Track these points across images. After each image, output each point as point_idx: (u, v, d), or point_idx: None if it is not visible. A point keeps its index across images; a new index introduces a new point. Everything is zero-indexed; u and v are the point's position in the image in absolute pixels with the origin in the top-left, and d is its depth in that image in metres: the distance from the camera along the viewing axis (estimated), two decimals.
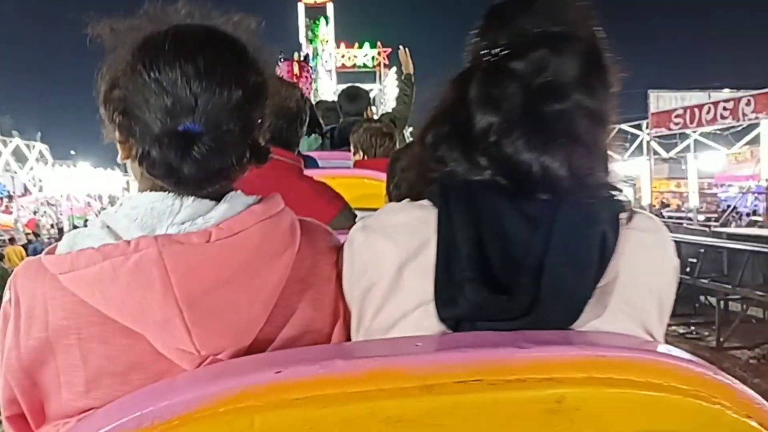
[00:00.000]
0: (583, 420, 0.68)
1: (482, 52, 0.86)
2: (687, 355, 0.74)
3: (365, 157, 2.86)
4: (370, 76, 41.66)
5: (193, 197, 0.81)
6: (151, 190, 0.82)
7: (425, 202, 0.86)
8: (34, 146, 31.24)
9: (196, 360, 0.78)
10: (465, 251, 0.78)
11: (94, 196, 33.20)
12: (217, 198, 0.82)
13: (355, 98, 3.90)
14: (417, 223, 0.84)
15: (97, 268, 0.75)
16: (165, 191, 0.81)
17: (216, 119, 0.80)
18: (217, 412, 0.63)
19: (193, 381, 0.71)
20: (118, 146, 0.86)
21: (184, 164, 0.77)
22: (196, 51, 0.81)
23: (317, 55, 40.03)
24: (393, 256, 0.83)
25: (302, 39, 42.10)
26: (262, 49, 0.89)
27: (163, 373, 0.78)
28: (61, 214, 27.33)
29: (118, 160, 0.88)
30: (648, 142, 20.32)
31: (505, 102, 0.83)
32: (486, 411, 0.67)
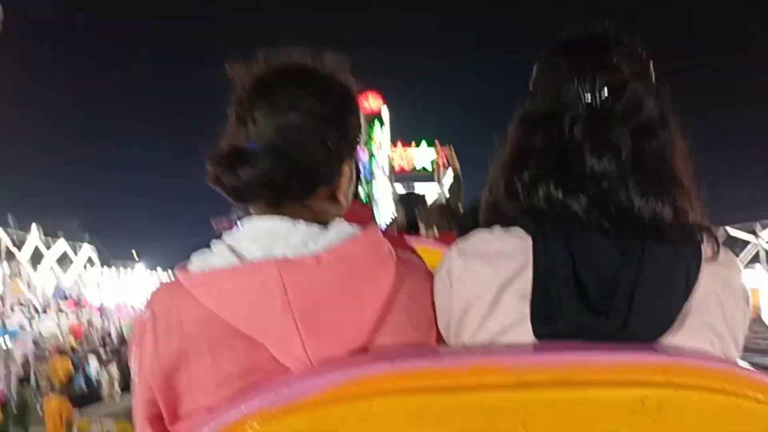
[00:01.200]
0: (664, 420, 0.79)
1: (586, 95, 0.95)
2: (758, 368, 0.85)
3: (437, 233, 3.16)
4: (429, 175, 42.63)
5: (304, 222, 1.00)
6: (260, 214, 1.02)
7: (518, 230, 0.98)
8: (80, 248, 31.87)
9: (308, 368, 0.94)
10: (562, 275, 0.89)
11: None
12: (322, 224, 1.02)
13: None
14: (514, 250, 0.96)
15: (228, 285, 0.95)
16: (277, 215, 1.00)
17: (270, 139, 1.00)
18: (341, 396, 0.79)
19: (320, 371, 0.88)
20: None
21: (226, 176, 0.98)
22: (269, 86, 1.04)
23: (372, 156, 41.52)
24: (492, 279, 0.96)
25: None
26: (344, 85, 1.08)
27: (278, 374, 0.94)
28: (108, 320, 27.83)
29: None
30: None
31: (618, 148, 0.91)
32: (576, 407, 0.79)
